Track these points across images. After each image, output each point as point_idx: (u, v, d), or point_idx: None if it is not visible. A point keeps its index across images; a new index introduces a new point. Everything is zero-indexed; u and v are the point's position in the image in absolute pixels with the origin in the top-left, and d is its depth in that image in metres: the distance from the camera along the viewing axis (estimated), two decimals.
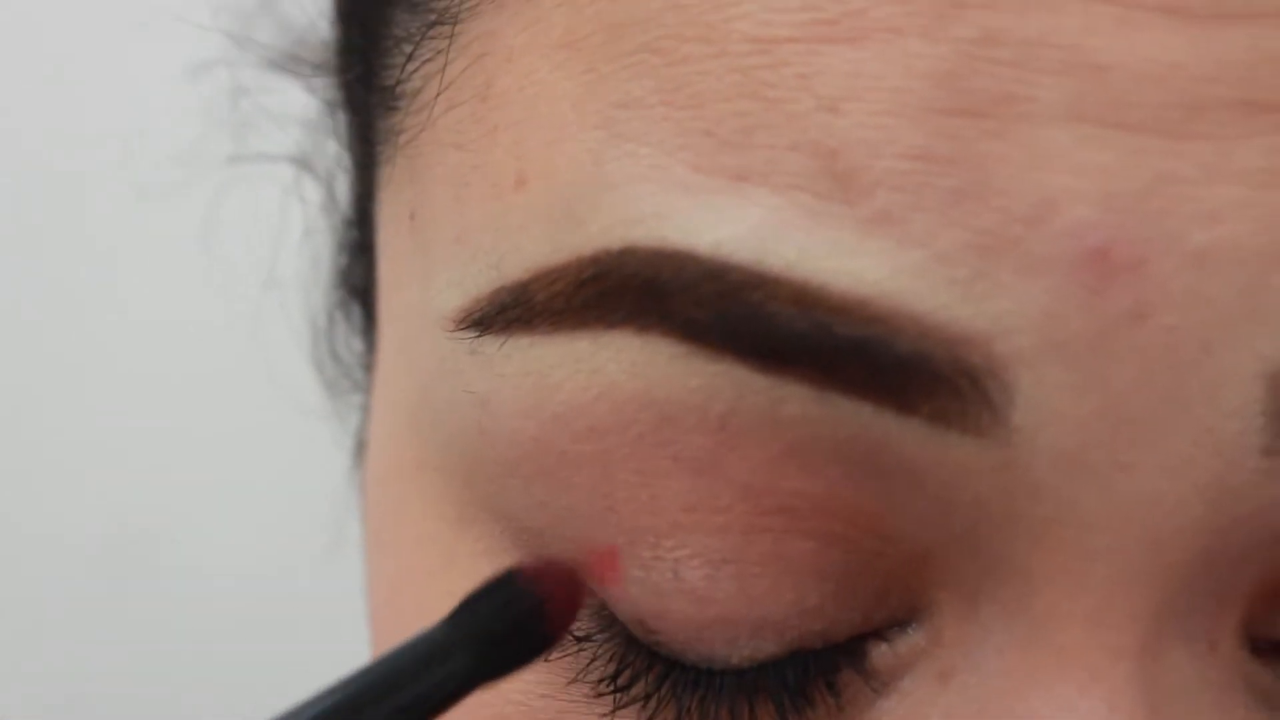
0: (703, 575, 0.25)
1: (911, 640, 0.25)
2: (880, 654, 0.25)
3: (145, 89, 0.58)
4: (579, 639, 0.26)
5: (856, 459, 0.24)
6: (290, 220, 0.44)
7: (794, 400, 0.23)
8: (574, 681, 0.27)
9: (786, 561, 0.25)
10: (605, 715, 0.26)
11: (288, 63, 0.42)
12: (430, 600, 0.29)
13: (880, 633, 0.25)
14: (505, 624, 0.25)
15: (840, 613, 0.25)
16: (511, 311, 0.25)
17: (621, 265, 0.24)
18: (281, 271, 0.45)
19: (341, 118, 0.37)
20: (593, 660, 0.26)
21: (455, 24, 0.27)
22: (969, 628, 0.25)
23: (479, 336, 0.26)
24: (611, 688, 0.26)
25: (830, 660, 0.25)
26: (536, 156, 0.25)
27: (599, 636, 0.26)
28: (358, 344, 0.41)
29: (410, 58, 0.29)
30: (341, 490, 0.45)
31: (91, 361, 0.76)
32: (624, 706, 0.26)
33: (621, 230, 0.24)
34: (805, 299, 0.22)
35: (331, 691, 0.24)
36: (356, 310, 0.41)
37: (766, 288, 0.23)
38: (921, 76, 0.22)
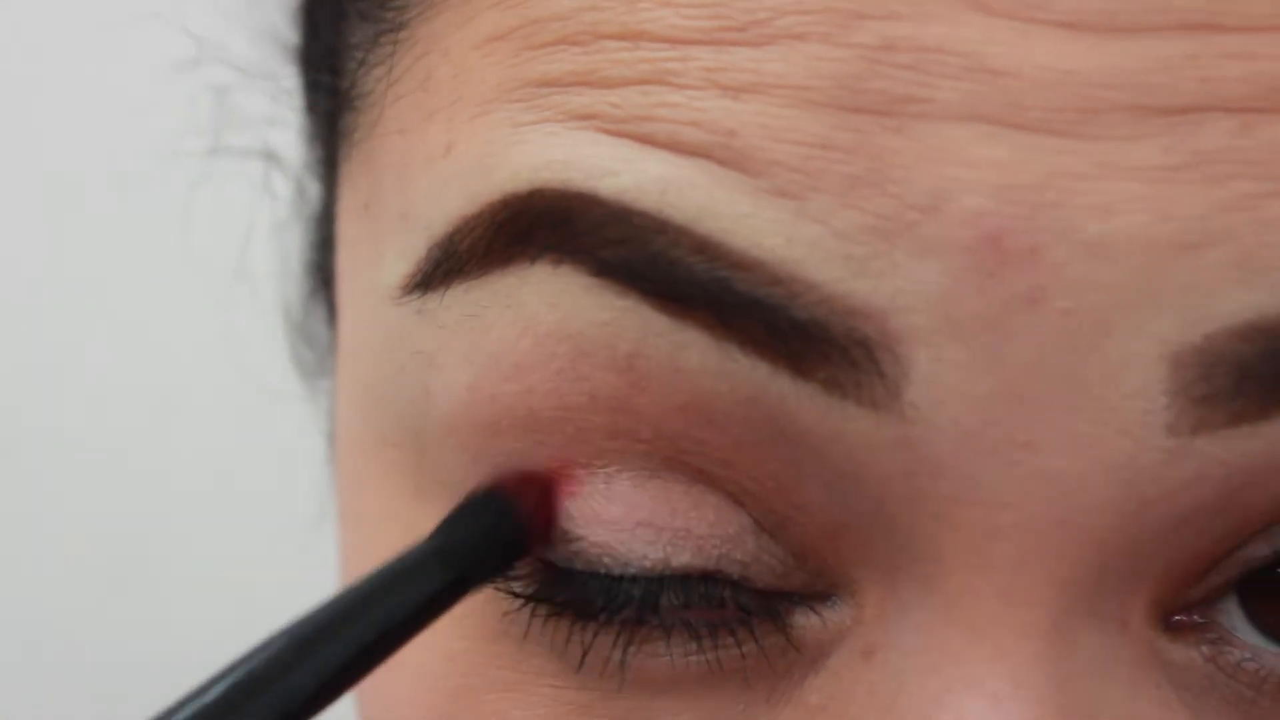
0: (631, 485, 0.26)
1: (838, 615, 0.26)
2: (809, 625, 0.26)
3: (121, 87, 0.59)
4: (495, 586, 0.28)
5: (758, 421, 0.25)
6: (264, 214, 0.46)
7: (695, 347, 0.25)
8: (503, 635, 0.28)
9: (710, 488, 0.26)
10: (533, 665, 0.28)
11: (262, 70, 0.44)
12: None
13: (807, 603, 0.26)
14: (480, 531, 0.26)
15: (760, 553, 0.26)
16: (444, 265, 0.27)
17: (531, 205, 0.25)
18: (258, 264, 0.47)
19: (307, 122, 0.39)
20: (510, 583, 0.28)
21: (401, 29, 0.29)
22: (889, 604, 0.26)
23: (423, 296, 0.28)
24: (525, 601, 0.28)
25: (747, 600, 0.26)
26: (463, 127, 0.27)
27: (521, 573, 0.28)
28: (327, 332, 0.43)
29: (362, 62, 0.31)
30: (324, 478, 0.46)
31: (70, 359, 0.76)
32: (540, 615, 0.28)
33: (528, 174, 0.25)
34: (707, 250, 0.24)
35: (319, 609, 0.25)
36: (324, 300, 0.43)
37: (669, 235, 0.24)
38: (823, 77, 0.23)
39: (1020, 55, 0.23)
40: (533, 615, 0.28)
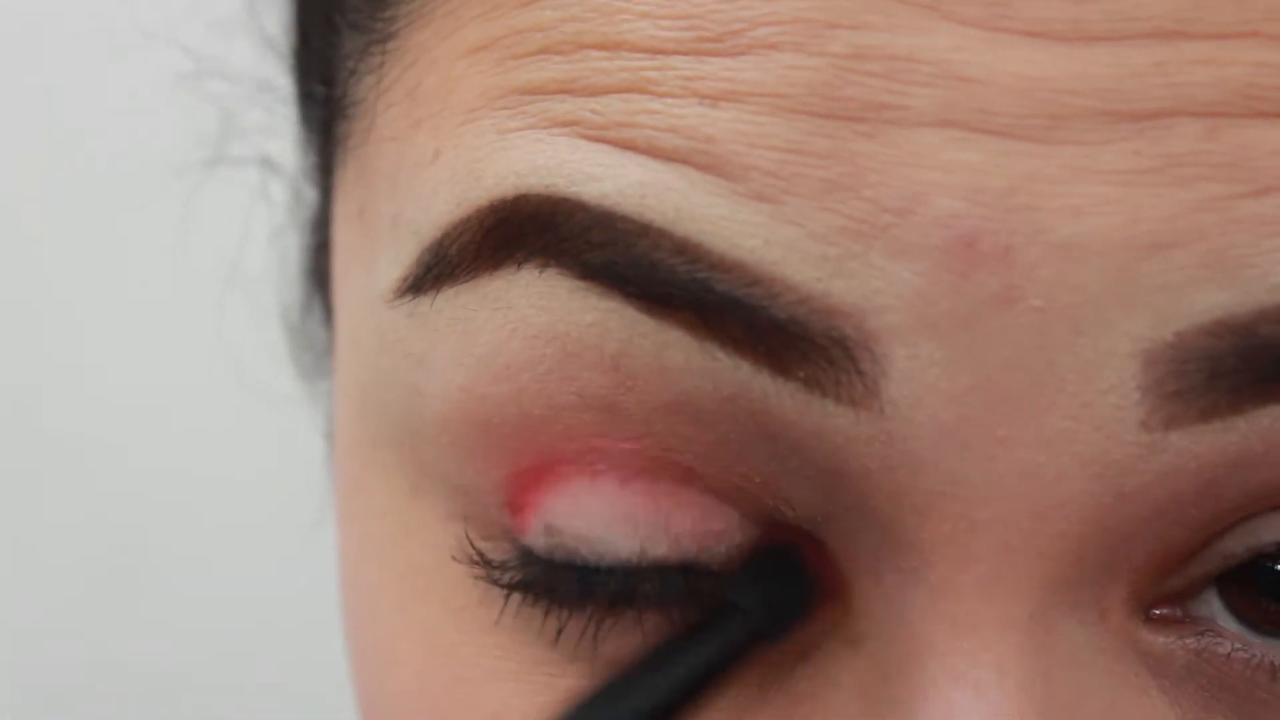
0: (616, 483, 0.27)
1: (825, 608, 0.27)
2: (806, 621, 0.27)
3: (121, 96, 0.59)
4: (485, 560, 0.29)
5: (742, 419, 0.25)
6: (261, 220, 0.46)
7: (678, 347, 0.25)
8: (498, 627, 0.29)
9: (694, 488, 0.27)
10: (529, 654, 0.28)
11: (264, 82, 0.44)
12: (390, 570, 0.31)
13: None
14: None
15: (745, 544, 0.27)
16: (435, 269, 0.28)
17: (517, 210, 0.26)
18: (255, 269, 0.47)
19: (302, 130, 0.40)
20: (491, 572, 0.29)
21: (390, 40, 0.30)
22: (874, 596, 0.26)
23: (414, 299, 0.28)
24: (506, 589, 0.28)
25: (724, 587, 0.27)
26: (450, 134, 0.28)
27: (506, 564, 0.28)
28: (324, 335, 0.44)
29: (354, 72, 0.32)
30: (323, 480, 0.47)
31: (72, 361, 0.77)
32: (515, 600, 0.28)
33: (514, 180, 0.26)
34: (687, 251, 0.25)
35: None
36: (321, 303, 0.43)
37: (651, 237, 0.25)
38: (797, 85, 0.24)
39: (989, 62, 0.23)
40: (507, 600, 0.29)
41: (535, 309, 0.26)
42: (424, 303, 0.28)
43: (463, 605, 0.29)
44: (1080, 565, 0.25)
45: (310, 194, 0.44)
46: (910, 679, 0.25)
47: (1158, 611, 0.26)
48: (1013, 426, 0.24)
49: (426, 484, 0.30)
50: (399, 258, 0.29)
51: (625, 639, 0.28)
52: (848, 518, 0.26)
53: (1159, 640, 0.26)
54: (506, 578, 0.28)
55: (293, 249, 0.46)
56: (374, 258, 0.30)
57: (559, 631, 0.28)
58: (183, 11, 0.45)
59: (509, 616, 0.29)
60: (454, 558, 0.29)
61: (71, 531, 0.77)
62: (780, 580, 0.27)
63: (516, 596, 0.28)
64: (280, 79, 0.45)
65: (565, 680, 0.28)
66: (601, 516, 0.27)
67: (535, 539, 0.28)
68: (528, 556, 0.28)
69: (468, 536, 0.29)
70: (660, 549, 0.27)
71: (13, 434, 0.77)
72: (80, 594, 0.78)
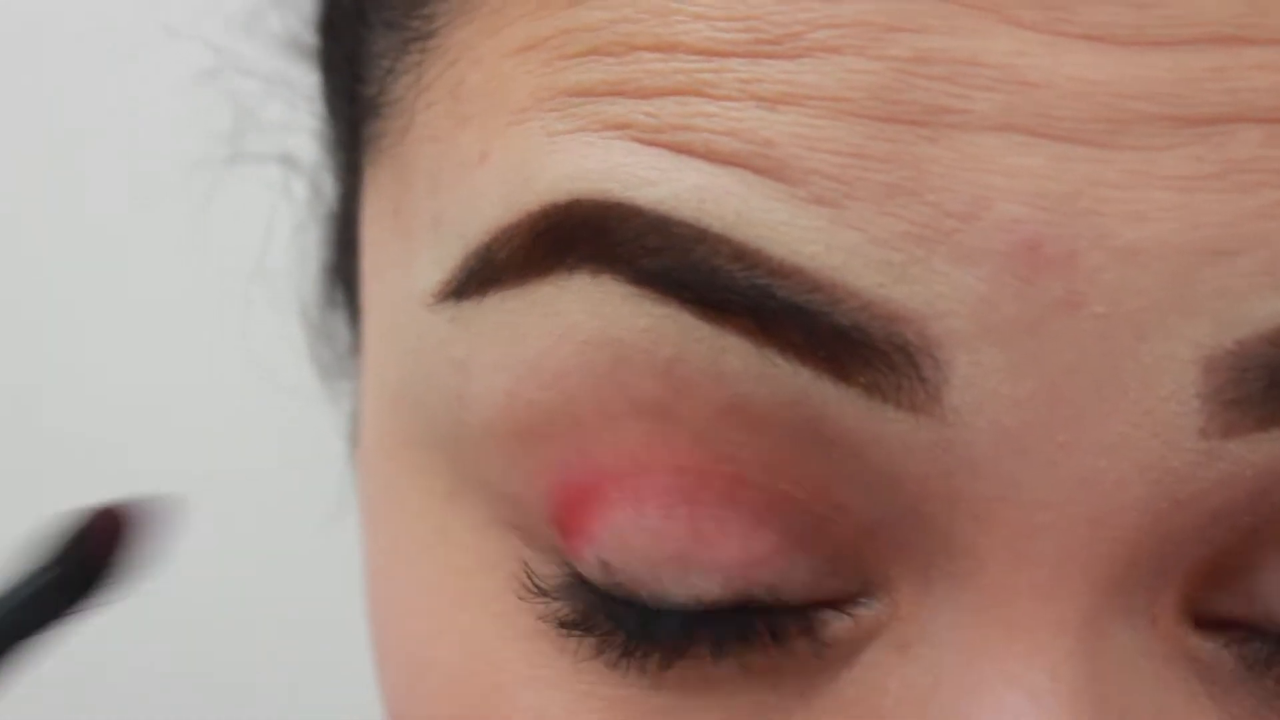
0: (660, 512, 0.27)
1: (871, 613, 0.27)
2: (841, 626, 0.27)
3: (142, 92, 0.59)
4: (543, 590, 0.28)
5: (798, 424, 0.25)
6: (281, 217, 0.46)
7: (735, 353, 0.25)
8: (538, 633, 0.29)
9: (737, 508, 0.26)
10: (570, 661, 0.28)
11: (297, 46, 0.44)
12: (423, 575, 0.31)
13: (839, 606, 0.27)
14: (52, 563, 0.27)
15: (791, 570, 0.27)
16: (481, 274, 0.27)
17: (570, 215, 0.26)
18: (273, 266, 0.47)
19: (327, 127, 0.39)
20: (558, 609, 0.28)
21: (430, 38, 0.30)
22: (924, 601, 0.26)
23: (457, 303, 0.28)
24: (570, 632, 0.28)
25: (780, 621, 0.27)
26: (497, 135, 0.27)
27: (563, 592, 0.28)
28: (346, 333, 0.43)
29: (390, 70, 0.31)
30: (339, 483, 0.47)
31: (71, 360, 0.77)
32: (583, 645, 0.28)
33: (567, 185, 0.26)
34: (746, 258, 0.24)
35: None
36: (344, 301, 0.43)
37: (709, 243, 0.24)
38: (857, 88, 0.24)
39: (1050, 66, 0.23)
40: (580, 643, 0.28)
41: (586, 315, 0.26)
42: (468, 307, 0.28)
43: (502, 610, 0.29)
44: (1133, 570, 0.25)
45: (328, 192, 0.44)
46: (963, 683, 0.25)
47: (1208, 617, 0.26)
48: (1074, 432, 0.24)
49: (466, 488, 0.30)
50: (441, 260, 0.29)
51: (691, 686, 0.27)
52: (900, 522, 0.26)
53: (1208, 646, 0.26)
54: (562, 612, 0.28)
55: (311, 247, 0.45)
56: (411, 258, 0.30)
57: (625, 670, 0.28)
58: (205, 6, 0.44)
59: (549, 623, 0.28)
60: (517, 595, 0.29)
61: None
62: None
63: (576, 634, 0.28)
64: (296, 74, 0.44)
65: (605, 688, 0.28)
66: (649, 557, 0.27)
67: (591, 572, 0.28)
68: (588, 587, 0.28)
69: (526, 569, 0.29)
70: (714, 590, 0.27)
71: (13, 434, 0.76)
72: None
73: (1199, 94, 0.23)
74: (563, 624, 0.28)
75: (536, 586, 0.28)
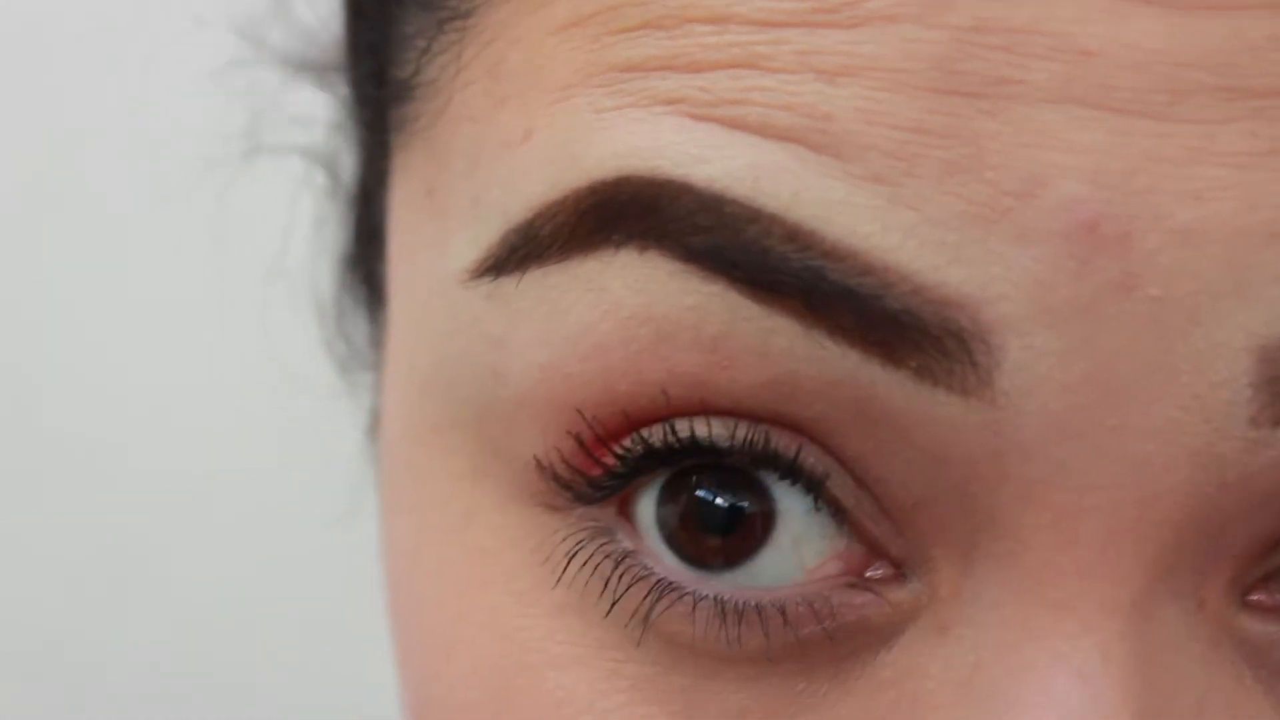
0: (702, 423, 0.26)
1: (910, 594, 0.26)
2: (878, 609, 0.26)
3: (159, 85, 0.59)
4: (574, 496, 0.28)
5: (843, 402, 0.25)
6: (295, 210, 0.46)
7: (783, 334, 0.25)
8: (564, 608, 0.29)
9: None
10: (597, 635, 0.28)
11: (302, 64, 0.44)
12: (449, 558, 0.31)
13: (874, 588, 0.27)
14: None
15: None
16: (522, 250, 0.27)
17: (619, 192, 0.25)
18: (286, 262, 0.47)
19: (350, 110, 0.39)
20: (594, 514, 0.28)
21: (468, 17, 0.29)
22: (964, 582, 0.26)
23: (495, 280, 0.28)
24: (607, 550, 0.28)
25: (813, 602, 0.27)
26: (541, 113, 0.27)
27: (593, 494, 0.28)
28: (365, 325, 0.43)
29: (426, 51, 0.31)
30: (352, 480, 0.46)
31: (71, 359, 0.76)
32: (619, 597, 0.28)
33: (616, 162, 0.25)
34: (799, 239, 0.24)
35: None
36: (363, 294, 0.43)
37: (762, 223, 0.24)
38: (917, 59, 0.24)
39: (1108, 34, 0.23)
40: (566, 566, 0.28)
41: (631, 291, 0.26)
42: (507, 284, 0.28)
43: (526, 587, 0.29)
44: (1181, 552, 0.25)
45: (346, 183, 0.44)
46: (1007, 664, 0.25)
47: (1255, 598, 0.26)
48: (1124, 416, 0.24)
49: (493, 466, 0.29)
50: (478, 238, 0.28)
51: (679, 624, 0.27)
52: (943, 501, 0.26)
53: (1256, 628, 0.26)
54: (573, 494, 0.28)
55: (328, 240, 0.45)
56: (446, 239, 0.30)
57: (613, 604, 0.28)
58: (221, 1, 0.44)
59: (564, 589, 0.28)
60: (531, 491, 0.29)
61: (72, 531, 0.76)
62: None
63: (578, 559, 0.28)
64: (318, 63, 0.44)
65: (630, 666, 0.28)
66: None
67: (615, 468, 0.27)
68: (600, 477, 0.28)
69: (544, 460, 0.28)
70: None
71: (13, 433, 0.76)
72: (81, 594, 0.77)
73: (1254, 64, 0.23)
74: (598, 530, 0.28)
75: (555, 475, 0.28)
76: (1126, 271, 0.23)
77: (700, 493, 0.27)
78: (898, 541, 0.27)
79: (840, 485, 0.26)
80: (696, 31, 0.25)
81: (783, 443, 0.26)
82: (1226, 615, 0.26)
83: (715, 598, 0.27)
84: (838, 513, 0.27)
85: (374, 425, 0.41)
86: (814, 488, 0.27)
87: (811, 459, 0.26)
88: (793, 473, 0.26)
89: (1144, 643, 0.25)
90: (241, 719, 0.77)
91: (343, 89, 0.40)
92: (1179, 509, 0.24)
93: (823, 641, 0.27)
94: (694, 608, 0.27)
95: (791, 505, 0.27)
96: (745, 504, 0.27)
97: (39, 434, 0.76)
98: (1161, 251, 0.23)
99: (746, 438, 0.26)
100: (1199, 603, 0.25)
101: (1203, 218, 0.23)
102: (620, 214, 0.26)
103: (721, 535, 0.27)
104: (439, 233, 0.30)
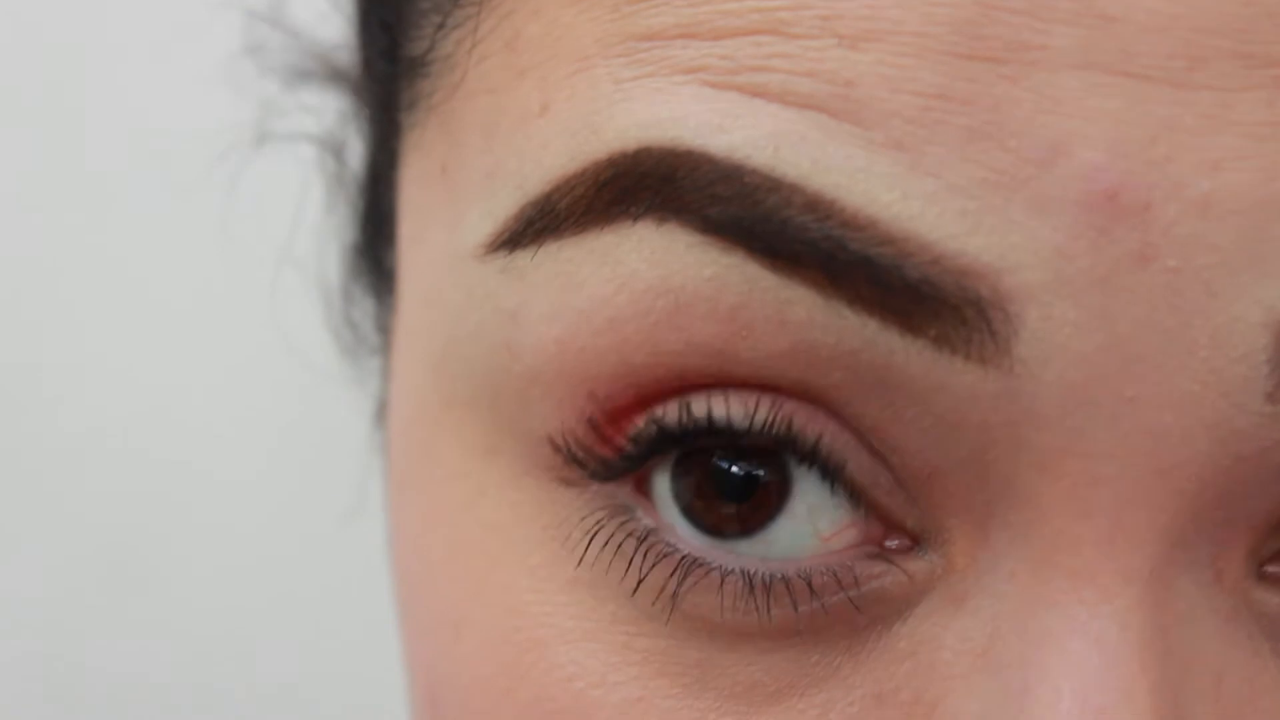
0: (719, 400, 0.26)
1: (925, 565, 0.26)
2: (892, 580, 0.26)
3: (169, 79, 0.59)
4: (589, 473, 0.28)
5: (861, 369, 0.25)
6: (303, 199, 0.46)
7: (802, 303, 0.25)
8: (577, 583, 0.28)
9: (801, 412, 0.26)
10: (609, 610, 0.28)
11: (302, 71, 0.44)
12: (461, 536, 0.30)
13: (891, 558, 0.27)
14: None
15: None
16: (538, 223, 0.27)
17: (637, 164, 0.25)
18: (294, 251, 0.47)
19: (360, 91, 0.39)
20: (610, 491, 0.28)
21: None
22: (980, 553, 0.26)
23: (510, 254, 0.28)
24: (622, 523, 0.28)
25: (825, 574, 0.26)
26: (560, 85, 0.27)
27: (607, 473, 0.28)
28: (372, 310, 0.43)
29: (441, 26, 0.31)
30: (359, 475, 0.46)
31: (107, 346, 0.76)
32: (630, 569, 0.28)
33: (636, 133, 0.25)
34: (819, 208, 0.24)
35: None
36: (371, 279, 0.42)
37: (782, 193, 0.24)
38: (940, 23, 0.23)
39: (1130, 0, 0.23)
40: (588, 546, 0.28)
41: (647, 264, 0.26)
42: (521, 257, 0.28)
43: (539, 562, 0.29)
44: (1198, 521, 0.25)
45: (350, 174, 0.44)
46: (1025, 633, 0.25)
47: (1272, 570, 0.26)
48: (1141, 387, 0.24)
49: (506, 442, 0.29)
50: (493, 211, 0.28)
51: (705, 598, 0.27)
52: (959, 471, 0.26)
53: (1273, 600, 0.26)
54: (589, 471, 0.28)
55: (333, 228, 0.45)
56: (460, 214, 0.30)
57: (639, 583, 0.27)
58: None
59: (586, 569, 0.28)
60: (545, 467, 0.28)
61: (72, 530, 0.76)
62: None
63: (599, 538, 0.28)
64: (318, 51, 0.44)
65: (642, 639, 0.28)
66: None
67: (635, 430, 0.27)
68: (614, 459, 0.28)
69: (560, 442, 0.28)
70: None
71: (23, 428, 0.76)
72: (82, 594, 0.77)
73: (1273, 30, 0.23)
74: (616, 508, 0.28)
75: (571, 452, 0.28)
76: (1145, 241, 0.23)
77: (717, 461, 0.27)
78: (913, 513, 0.26)
79: (858, 466, 0.26)
80: None
81: (803, 425, 0.26)
82: (1244, 587, 0.26)
83: (742, 571, 0.27)
84: (854, 494, 0.27)
85: (381, 411, 0.41)
86: (831, 473, 0.26)
87: (830, 442, 0.26)
88: (811, 457, 0.26)
89: (1162, 612, 0.25)
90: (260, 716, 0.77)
91: (349, 85, 0.40)
92: (1195, 480, 0.24)
93: (846, 611, 0.27)
94: (721, 583, 0.27)
95: (807, 474, 0.27)
96: (761, 472, 0.27)
97: (48, 429, 0.76)
98: (1180, 222, 0.23)
99: (766, 421, 0.26)
100: (1216, 574, 0.25)
101: (1219, 188, 0.23)
102: (638, 186, 0.25)
103: (737, 503, 0.27)
104: (453, 209, 0.30)
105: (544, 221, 0.27)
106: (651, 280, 0.26)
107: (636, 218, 0.26)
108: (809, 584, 0.26)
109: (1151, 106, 0.23)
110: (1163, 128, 0.23)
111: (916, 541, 0.27)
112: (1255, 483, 0.25)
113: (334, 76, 0.44)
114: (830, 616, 0.27)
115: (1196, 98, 0.23)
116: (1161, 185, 0.23)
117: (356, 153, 0.43)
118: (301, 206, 0.46)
